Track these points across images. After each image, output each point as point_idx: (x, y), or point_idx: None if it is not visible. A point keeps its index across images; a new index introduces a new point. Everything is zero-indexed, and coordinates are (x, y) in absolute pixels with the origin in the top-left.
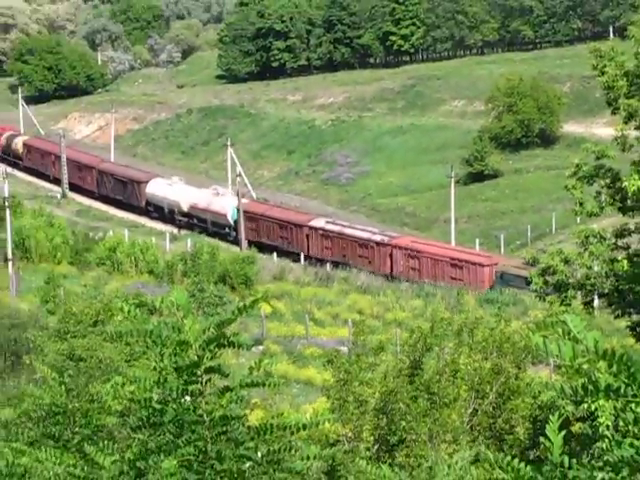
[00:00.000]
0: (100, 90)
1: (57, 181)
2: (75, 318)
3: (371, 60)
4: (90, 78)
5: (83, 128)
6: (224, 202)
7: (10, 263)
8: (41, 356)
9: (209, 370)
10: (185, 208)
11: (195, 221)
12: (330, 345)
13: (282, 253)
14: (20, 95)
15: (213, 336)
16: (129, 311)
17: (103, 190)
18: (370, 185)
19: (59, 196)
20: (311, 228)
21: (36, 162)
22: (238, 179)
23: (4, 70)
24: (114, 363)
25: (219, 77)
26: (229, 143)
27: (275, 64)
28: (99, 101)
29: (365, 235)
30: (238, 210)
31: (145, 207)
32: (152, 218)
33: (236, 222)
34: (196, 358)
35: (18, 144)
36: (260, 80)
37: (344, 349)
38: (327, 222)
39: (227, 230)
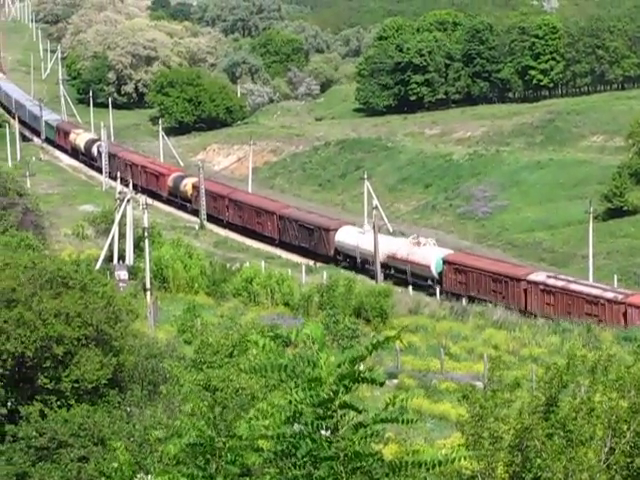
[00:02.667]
0: (239, 122)
1: (231, 225)
2: (211, 349)
3: (510, 94)
4: (229, 110)
5: (222, 160)
6: (426, 252)
7: (148, 293)
8: (177, 386)
9: (344, 405)
10: (380, 258)
11: (392, 272)
12: (465, 380)
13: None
14: (160, 126)
15: (348, 371)
16: (264, 345)
17: (286, 237)
18: (507, 220)
19: (197, 227)
20: (529, 282)
21: (207, 205)
22: (374, 212)
23: (145, 102)
24: (250, 394)
25: (357, 110)
26: (366, 176)
27: (413, 98)
28: (238, 133)
29: (595, 292)
30: (444, 261)
31: (334, 255)
32: (342, 267)
33: (440, 274)
34: (331, 393)
35: (187, 186)
36: (398, 113)
37: (479, 384)
38: (548, 276)
39: (430, 282)
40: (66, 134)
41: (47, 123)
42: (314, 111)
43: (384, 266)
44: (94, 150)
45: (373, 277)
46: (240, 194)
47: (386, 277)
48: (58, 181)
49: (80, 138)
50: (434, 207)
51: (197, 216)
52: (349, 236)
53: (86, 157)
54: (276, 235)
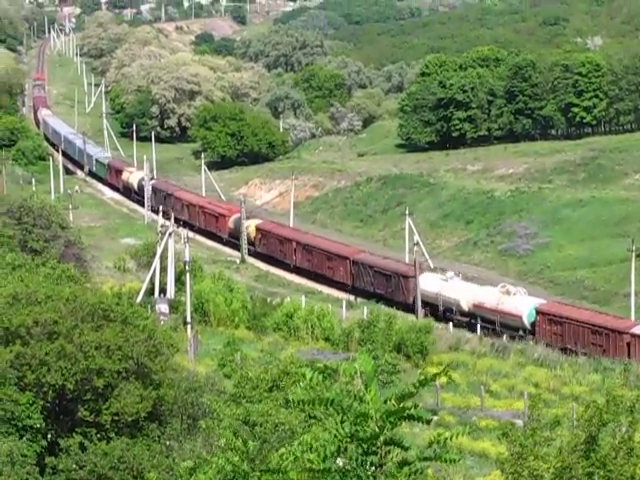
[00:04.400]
0: (281, 157)
1: (299, 270)
2: (251, 383)
3: (552, 131)
4: (272, 145)
5: (264, 194)
6: (518, 302)
7: (189, 326)
8: (217, 420)
9: (389, 442)
10: (466, 307)
11: (478, 321)
12: (505, 418)
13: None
14: (203, 161)
15: (394, 408)
16: (311, 378)
17: (360, 283)
18: (548, 257)
19: (238, 261)
20: (633, 336)
21: (272, 248)
22: (415, 248)
23: (188, 136)
24: (290, 429)
25: (399, 146)
26: (407, 212)
27: (455, 134)
28: (280, 168)
29: None
30: (537, 312)
31: (413, 303)
32: (424, 315)
33: (533, 324)
34: (377, 429)
35: (250, 228)
36: (440, 150)
37: (519, 422)
38: None
39: (521, 333)
40: (118, 172)
41: (98, 161)
42: (356, 146)
43: (470, 315)
44: (148, 188)
45: (458, 326)
46: (309, 237)
47: (472, 327)
48: (100, 214)
49: (133, 177)
50: (475, 244)
51: (261, 260)
52: (430, 283)
53: (139, 196)
54: (349, 281)
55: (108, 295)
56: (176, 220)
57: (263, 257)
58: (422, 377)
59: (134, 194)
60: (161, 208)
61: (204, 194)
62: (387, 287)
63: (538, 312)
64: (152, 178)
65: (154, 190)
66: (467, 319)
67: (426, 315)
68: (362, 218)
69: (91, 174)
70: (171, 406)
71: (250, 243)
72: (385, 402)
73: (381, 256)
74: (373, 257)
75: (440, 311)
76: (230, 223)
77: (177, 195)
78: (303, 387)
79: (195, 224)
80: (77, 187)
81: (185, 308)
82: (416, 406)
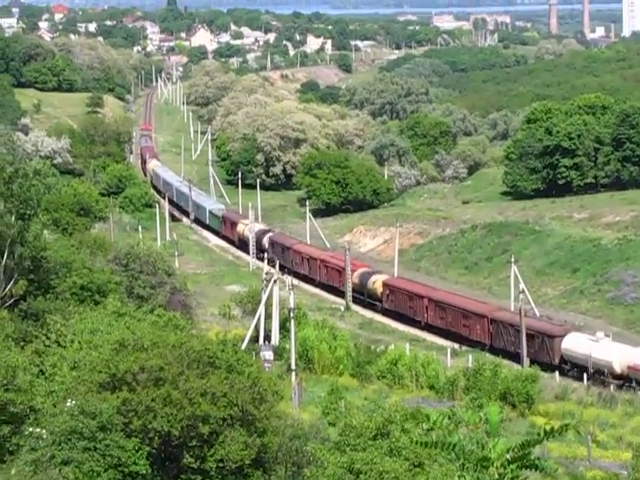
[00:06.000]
0: (386, 204)
1: (429, 327)
2: (355, 431)
3: None
4: (376, 192)
5: (368, 241)
6: None
7: (294, 374)
8: (321, 468)
9: None
10: (618, 369)
11: (634, 384)
12: (612, 468)
13: None
14: (308, 208)
15: (517, 456)
16: (435, 421)
17: (499, 343)
18: None
19: (342, 308)
20: None
21: (401, 305)
22: (521, 296)
23: (293, 183)
24: (395, 477)
25: (504, 193)
26: (513, 260)
27: (561, 181)
28: (384, 215)
29: None
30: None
31: (559, 364)
32: (568, 377)
33: None
34: (497, 476)
35: (376, 283)
36: (546, 197)
37: (625, 473)
38: None
39: None
40: (233, 225)
41: (211, 213)
42: (461, 194)
43: (623, 378)
44: (265, 241)
45: (564, 375)
46: (442, 294)
47: (622, 388)
48: (206, 261)
49: (249, 229)
50: (582, 292)
51: (388, 316)
52: (579, 344)
53: (255, 249)
54: (487, 340)
55: (213, 342)
56: (295, 274)
57: (391, 314)
58: (549, 428)
59: (249, 246)
60: (271, 258)
61: (308, 241)
62: (529, 347)
63: None
64: (269, 231)
65: (271, 243)
66: (620, 382)
67: (570, 376)
68: (467, 265)
69: (205, 227)
70: (275, 453)
71: (377, 299)
72: (508, 450)
73: (526, 316)
74: (514, 315)
75: (590, 373)
76: (355, 278)
77: (296, 248)
78: (425, 429)
79: (316, 278)
80: (174, 235)
81: (289, 355)
82: (538, 458)
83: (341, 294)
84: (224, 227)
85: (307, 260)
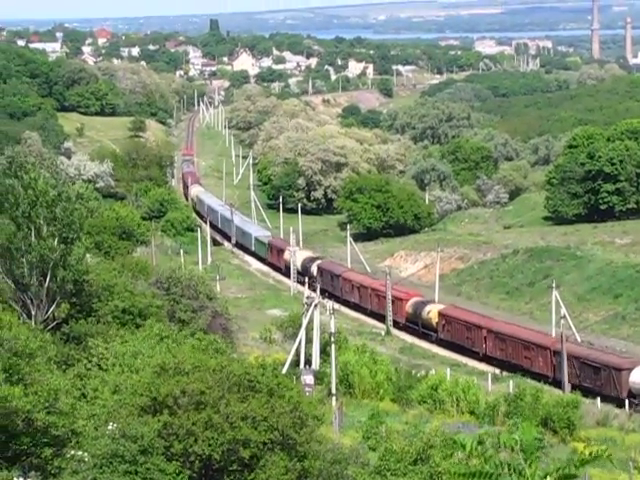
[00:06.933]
0: (427, 229)
1: (489, 359)
2: (396, 456)
3: None
4: (417, 217)
5: (409, 266)
6: None
7: (334, 398)
8: None
9: None
10: None
11: None
12: None
13: None
14: (348, 232)
15: None
16: (471, 447)
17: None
18: None
19: (383, 333)
20: None
21: (457, 335)
22: (562, 322)
23: (334, 207)
24: None
25: (546, 218)
26: (554, 285)
27: (603, 206)
28: (425, 240)
29: None
30: None
31: (627, 398)
32: (637, 412)
33: None
34: None
35: (431, 313)
36: (588, 222)
37: None
38: None
39: None
40: (280, 252)
41: (257, 239)
42: (502, 219)
43: None
44: (313, 269)
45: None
46: (501, 324)
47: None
48: (247, 285)
49: (293, 254)
50: (624, 317)
51: (442, 346)
52: None
53: (303, 277)
54: (549, 373)
55: (254, 366)
56: (345, 302)
57: (447, 344)
58: (586, 456)
59: (298, 274)
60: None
61: (349, 265)
62: (595, 380)
63: None
64: (317, 258)
65: (320, 270)
66: None
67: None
68: (508, 291)
69: (251, 253)
70: (316, 478)
71: (431, 329)
72: (545, 477)
73: (585, 345)
74: (578, 347)
75: None
76: (408, 307)
77: (346, 276)
78: (461, 459)
79: (367, 307)
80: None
81: (330, 379)
82: None
83: (396, 324)
84: (270, 254)
85: (358, 288)
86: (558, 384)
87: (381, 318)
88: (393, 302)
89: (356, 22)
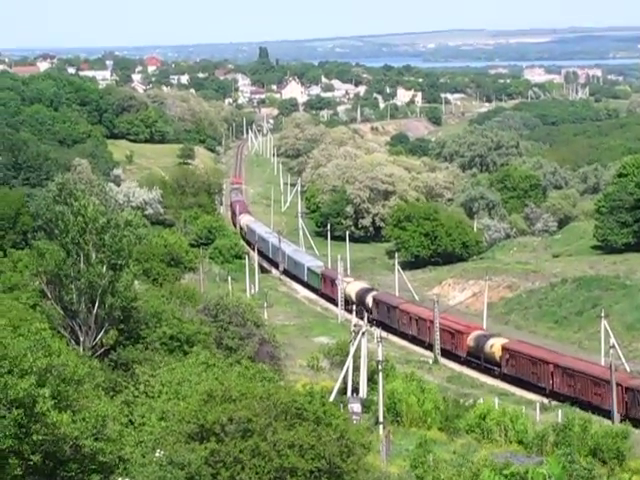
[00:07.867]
0: (475, 257)
1: (555, 395)
2: None
3: None
4: (465, 245)
5: (457, 294)
6: None
7: (381, 426)
8: None
9: None
10: None
11: None
12: None
13: None
14: (396, 260)
15: None
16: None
17: (635, 412)
18: None
19: (431, 361)
20: None
21: (522, 371)
22: (611, 351)
23: (382, 235)
24: None
25: (595, 247)
26: (603, 314)
27: None
28: (473, 268)
29: None
30: None
31: None
32: None
33: None
34: None
35: (494, 347)
36: (637, 251)
37: None
38: None
39: None
40: (333, 282)
41: (310, 270)
42: (551, 247)
43: None
44: (368, 300)
45: None
46: (569, 360)
47: None
48: (294, 312)
49: (350, 287)
50: None
51: (507, 382)
52: None
53: (357, 307)
54: (621, 410)
55: (301, 393)
56: (403, 335)
57: (511, 379)
58: None
59: (352, 305)
60: (359, 311)
61: (397, 294)
62: None
63: None
64: (372, 289)
65: (375, 302)
66: None
67: None
68: (557, 319)
69: (303, 284)
70: None
71: (494, 363)
72: None
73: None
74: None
75: None
76: (469, 341)
77: (403, 308)
78: None
79: (425, 340)
80: (252, 289)
81: (377, 408)
82: None
83: (453, 357)
84: (324, 285)
85: (416, 321)
86: (632, 421)
87: (442, 351)
88: (453, 335)
89: (405, 50)
